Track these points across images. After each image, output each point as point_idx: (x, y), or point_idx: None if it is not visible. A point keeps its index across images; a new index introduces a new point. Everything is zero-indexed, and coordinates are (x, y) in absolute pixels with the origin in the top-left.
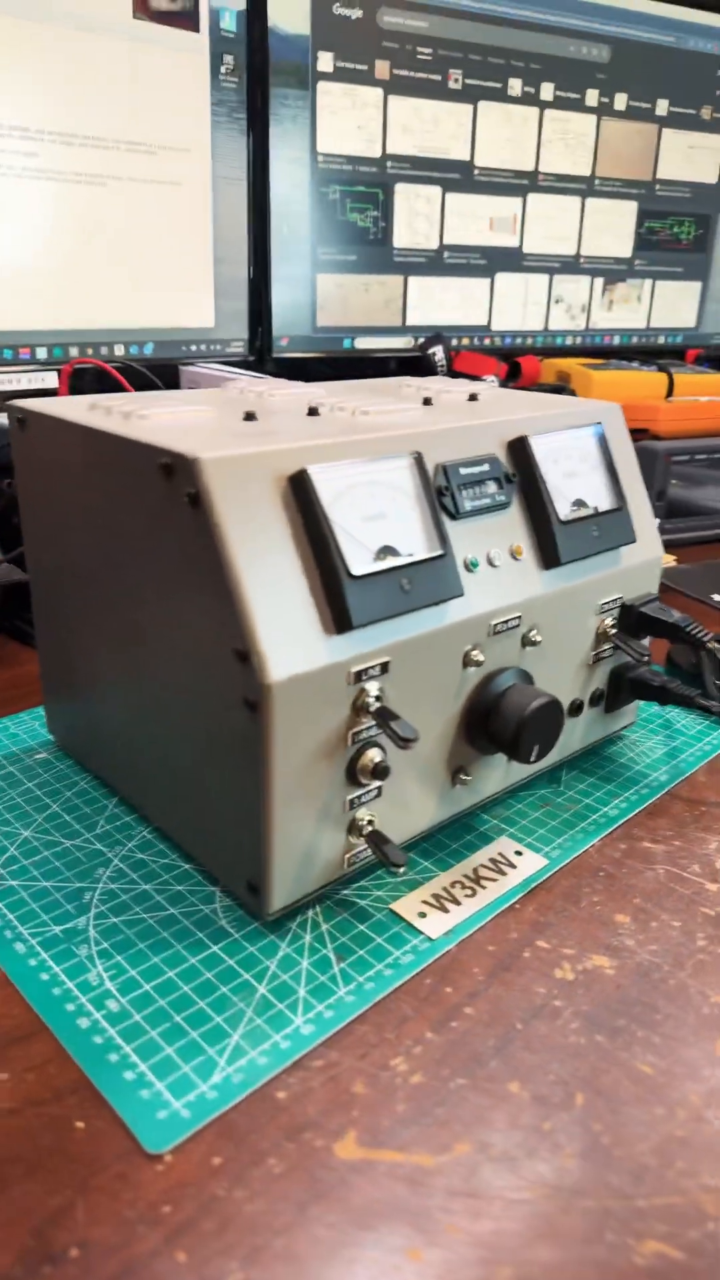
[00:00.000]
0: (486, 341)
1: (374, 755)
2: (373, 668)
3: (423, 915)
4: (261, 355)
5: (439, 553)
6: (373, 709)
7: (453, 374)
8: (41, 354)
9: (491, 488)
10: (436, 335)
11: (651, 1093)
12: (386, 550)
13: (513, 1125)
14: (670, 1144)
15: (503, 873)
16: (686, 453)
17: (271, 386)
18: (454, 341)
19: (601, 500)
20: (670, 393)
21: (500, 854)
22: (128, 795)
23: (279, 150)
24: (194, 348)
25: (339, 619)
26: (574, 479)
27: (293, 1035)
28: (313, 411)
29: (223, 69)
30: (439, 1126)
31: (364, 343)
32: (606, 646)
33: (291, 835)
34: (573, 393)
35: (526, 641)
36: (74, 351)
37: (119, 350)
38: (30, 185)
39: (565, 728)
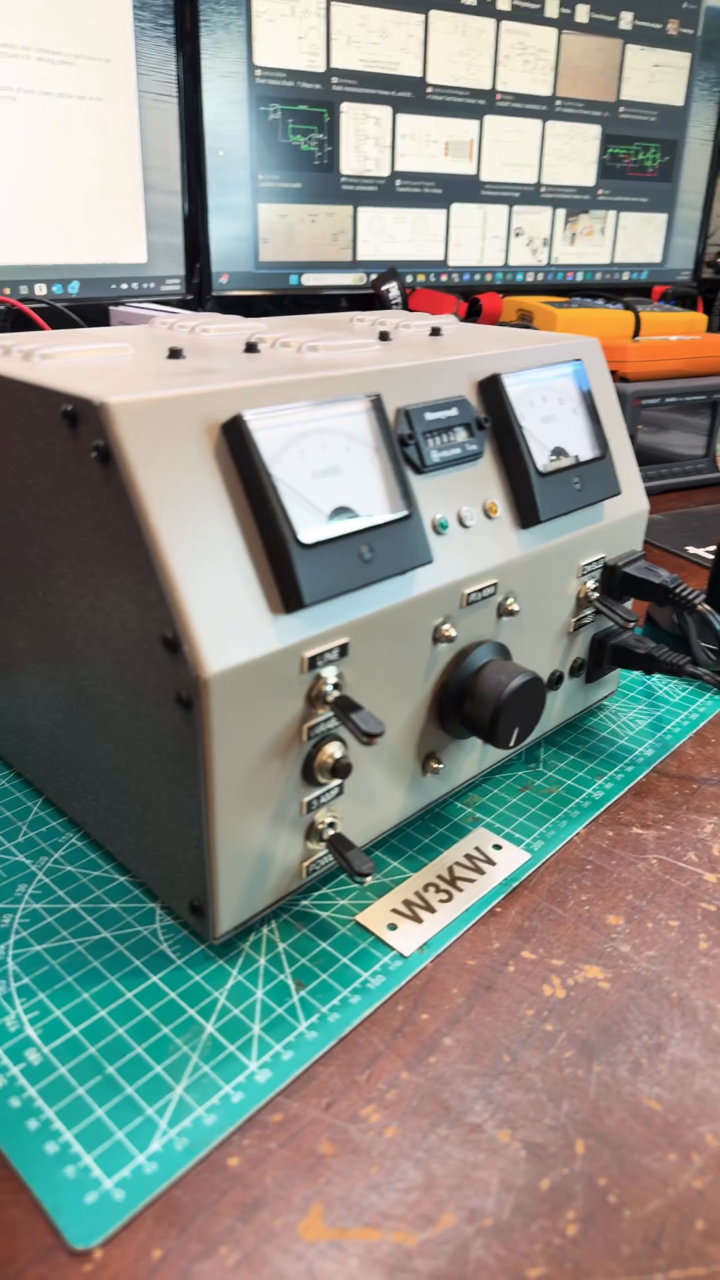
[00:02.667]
0: (443, 279)
1: (333, 750)
2: (329, 651)
3: (393, 927)
4: (200, 294)
5: (404, 513)
6: (330, 699)
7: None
8: None
9: (461, 435)
10: (391, 271)
11: (662, 1134)
12: (341, 511)
13: (506, 1186)
14: (688, 1199)
15: (481, 871)
16: (657, 395)
17: (205, 321)
18: (409, 278)
19: (583, 448)
20: (637, 332)
21: (477, 848)
22: (53, 797)
23: (211, 64)
24: (125, 286)
25: (287, 596)
26: (552, 424)
27: (246, 1084)
28: (250, 348)
29: None
30: (420, 1193)
31: (312, 279)
32: (588, 612)
33: (239, 847)
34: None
35: (503, 611)
36: None
37: (40, 290)
38: None
39: (548, 703)
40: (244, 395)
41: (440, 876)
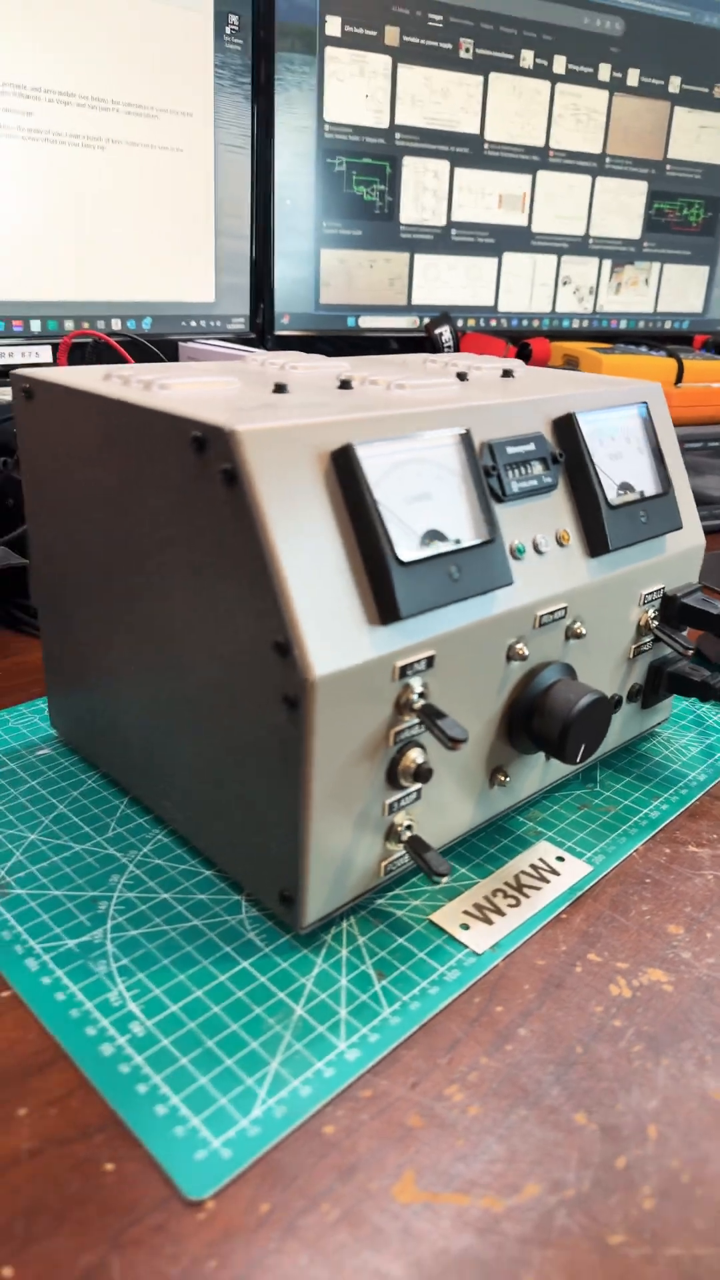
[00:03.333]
0: (493, 323)
1: (416, 756)
2: (418, 662)
3: (465, 927)
4: (263, 333)
5: (488, 538)
6: (417, 706)
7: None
8: (35, 327)
9: (538, 468)
10: (444, 315)
11: None
12: (433, 535)
13: (584, 1163)
14: None
15: (545, 880)
16: (699, 440)
17: (291, 360)
18: (460, 322)
19: (647, 484)
20: (680, 379)
21: (541, 860)
22: (141, 796)
23: (284, 118)
24: (193, 323)
25: (385, 609)
26: (619, 461)
27: (336, 1062)
28: (345, 385)
29: (228, 29)
30: (504, 1164)
31: (368, 321)
32: (647, 639)
33: (328, 842)
34: None
35: (571, 634)
36: (69, 325)
37: (116, 325)
38: (24, 146)
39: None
40: (351, 427)
41: (507, 883)
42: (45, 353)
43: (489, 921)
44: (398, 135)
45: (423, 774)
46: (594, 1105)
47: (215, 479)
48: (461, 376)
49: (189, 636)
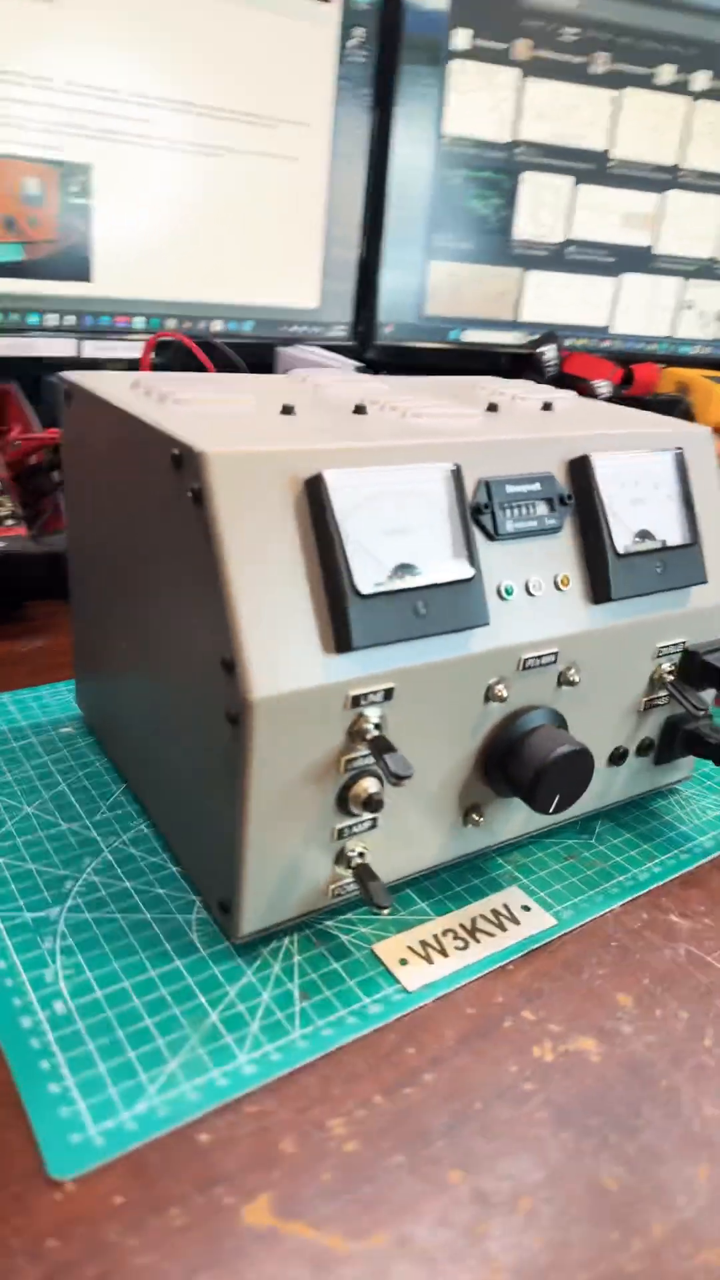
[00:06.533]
0: (605, 344)
1: (368, 785)
2: (373, 693)
3: (404, 963)
4: (365, 340)
5: (467, 576)
6: (369, 737)
7: (562, 376)
8: (139, 323)
9: (541, 509)
10: (550, 334)
11: (610, 1213)
12: (404, 569)
13: (442, 1222)
14: (611, 1273)
15: (503, 927)
16: None
17: (336, 378)
18: (568, 341)
19: (671, 533)
20: None
21: (505, 905)
22: (132, 785)
23: (403, 130)
24: (295, 328)
25: (340, 638)
26: (641, 506)
27: (233, 1073)
28: (359, 409)
29: (351, 42)
30: (362, 1207)
31: (472, 335)
32: (661, 694)
33: (268, 858)
34: (690, 405)
35: (563, 680)
36: (171, 324)
37: (217, 326)
38: (142, 153)
39: (604, 776)
40: (328, 455)
41: (462, 925)
42: (140, 350)
43: (430, 961)
44: (519, 150)
45: (373, 804)
46: (474, 1166)
47: (186, 496)
48: (493, 408)
49: (163, 642)
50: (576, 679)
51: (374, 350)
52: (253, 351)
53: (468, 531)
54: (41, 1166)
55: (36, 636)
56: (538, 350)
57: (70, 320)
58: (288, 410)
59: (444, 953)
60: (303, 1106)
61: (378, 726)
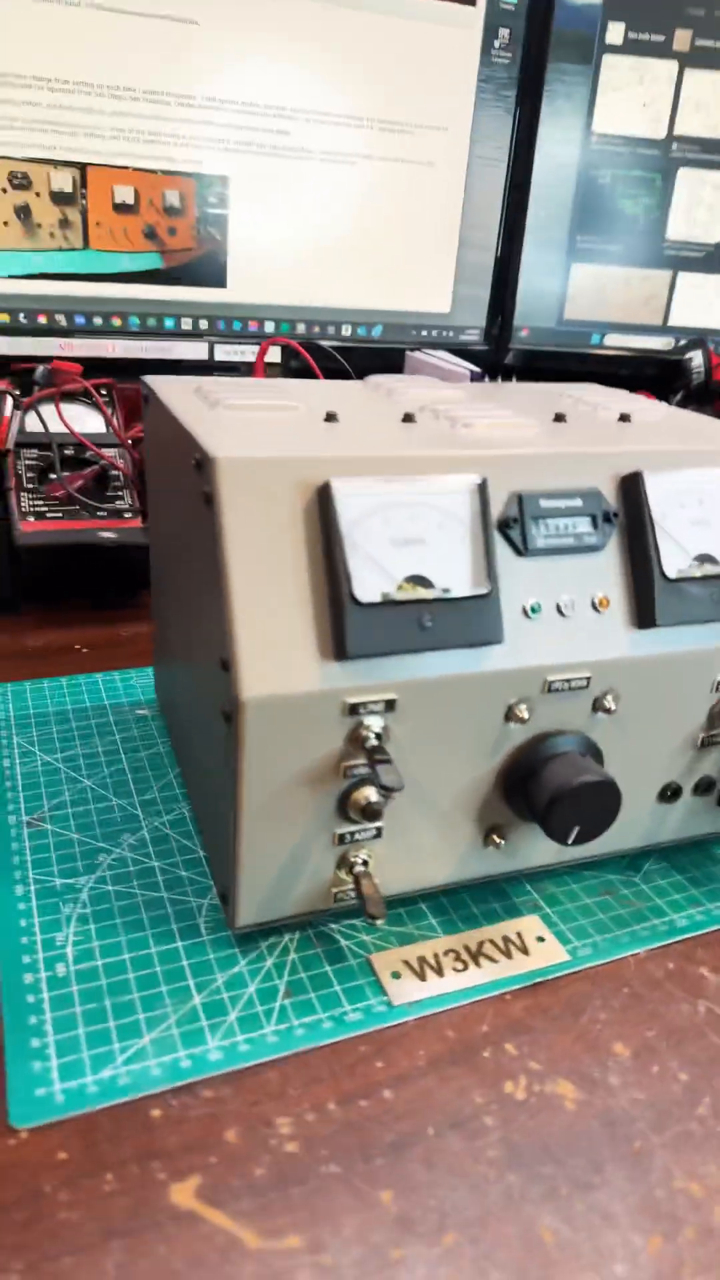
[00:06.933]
0: None
1: (368, 793)
2: (373, 703)
3: (396, 976)
4: (499, 345)
5: (481, 591)
6: (367, 745)
7: (711, 384)
8: (270, 328)
9: (583, 525)
10: (698, 340)
11: (537, 1266)
12: (416, 580)
13: (359, 1238)
14: None
15: (510, 955)
16: None
17: (413, 385)
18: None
19: None
20: None
21: (519, 933)
22: (183, 770)
23: (549, 130)
24: (425, 333)
25: (337, 645)
26: (704, 529)
27: (199, 1058)
28: (408, 418)
29: (496, 44)
30: (284, 1207)
31: (614, 340)
32: None
33: (264, 855)
34: None
35: (599, 707)
36: (300, 328)
37: (346, 330)
38: (278, 164)
39: (654, 813)
40: (339, 464)
41: (467, 946)
42: (277, 353)
43: (423, 978)
44: (675, 145)
45: (372, 812)
46: (407, 1190)
47: (202, 499)
48: (560, 418)
49: (196, 639)
50: (613, 707)
51: (512, 354)
52: (382, 356)
53: (489, 546)
54: (3, 1113)
55: (142, 623)
56: (685, 357)
57: (204, 325)
58: (331, 418)
59: (440, 972)
60: (256, 1100)
61: (379, 736)
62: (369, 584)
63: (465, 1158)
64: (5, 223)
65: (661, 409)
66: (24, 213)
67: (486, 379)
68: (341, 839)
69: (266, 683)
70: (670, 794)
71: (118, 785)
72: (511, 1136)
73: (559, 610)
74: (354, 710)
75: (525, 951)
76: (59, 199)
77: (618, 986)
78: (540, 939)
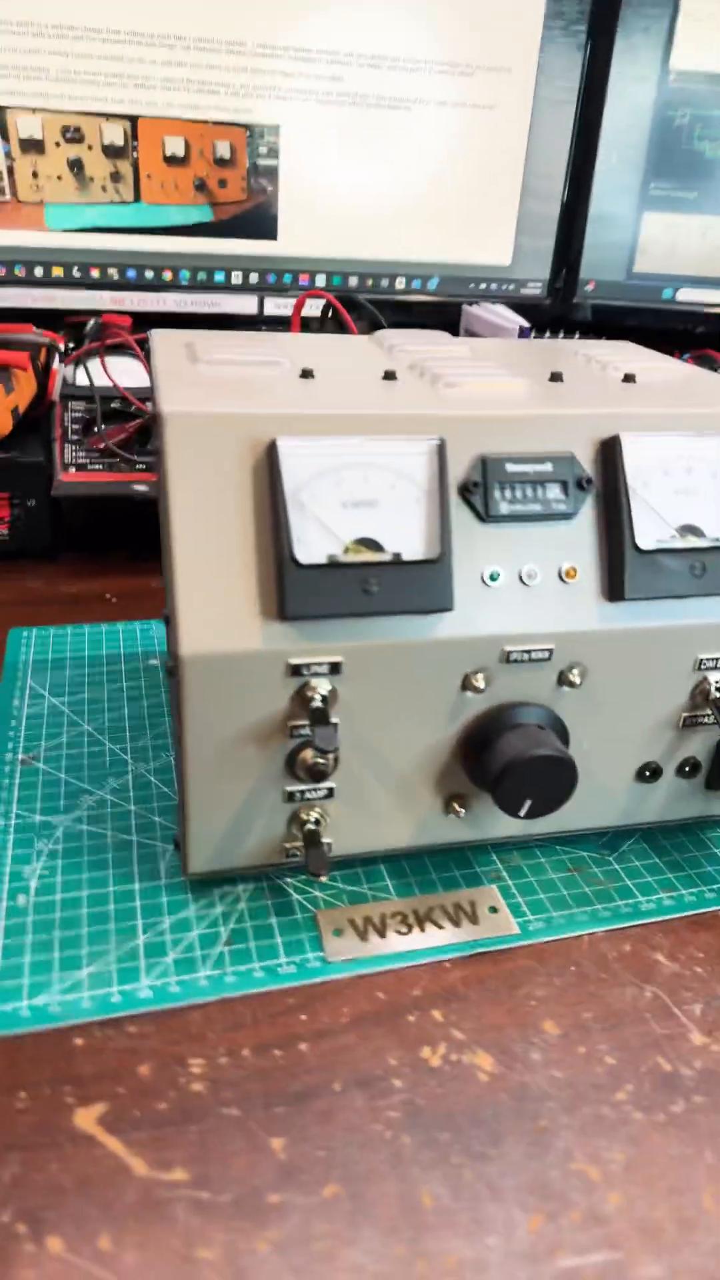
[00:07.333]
0: None
1: (313, 754)
2: (316, 664)
3: (338, 933)
4: (564, 299)
5: (430, 556)
6: (311, 706)
7: None
8: (320, 281)
9: (553, 492)
10: None
11: (409, 1229)
12: (366, 543)
13: (240, 1179)
14: None
15: (458, 924)
16: None
17: (418, 341)
18: None
19: None
20: None
21: (472, 902)
22: (169, 720)
23: (622, 67)
24: (483, 286)
25: (280, 606)
26: (690, 498)
27: (129, 994)
28: (389, 376)
29: None
30: (178, 1143)
31: (687, 295)
32: (708, 711)
33: (212, 807)
34: None
35: (565, 680)
36: (353, 281)
37: (400, 284)
38: (331, 111)
39: (632, 792)
40: (291, 422)
41: (416, 911)
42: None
43: (364, 938)
44: None
45: (317, 773)
46: (300, 1140)
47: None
48: (555, 377)
49: (168, 595)
50: (579, 681)
51: (583, 310)
52: (441, 311)
53: (445, 510)
54: None
55: None
56: None
57: (254, 278)
58: (307, 374)
59: (382, 933)
60: (176, 1040)
61: (324, 699)
62: (314, 545)
63: (365, 1115)
64: (59, 177)
65: (683, 370)
66: (77, 167)
67: (533, 335)
68: (291, 796)
69: (206, 639)
70: (649, 774)
71: (114, 731)
72: (416, 1100)
73: (521, 579)
74: (297, 671)
75: (474, 921)
76: (110, 152)
77: (564, 964)
78: (493, 909)
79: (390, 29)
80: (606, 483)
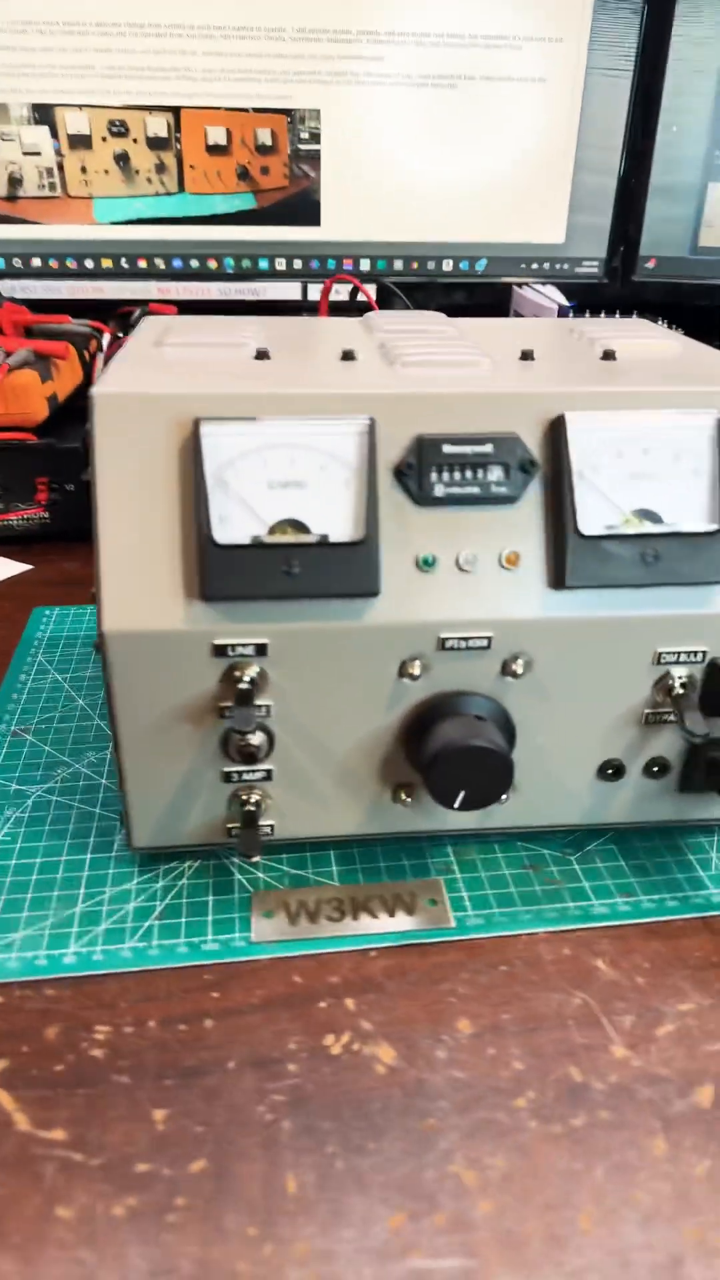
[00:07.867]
0: None
1: (250, 736)
2: (241, 646)
3: (268, 915)
4: (623, 278)
5: (354, 539)
6: (239, 687)
7: None
8: (365, 265)
9: (495, 474)
10: None
11: (265, 1212)
12: (292, 524)
13: (115, 1147)
14: (220, 1261)
15: (392, 914)
16: None
17: (401, 321)
18: None
19: (688, 517)
20: None
21: (412, 894)
22: None
23: (683, 30)
24: (535, 266)
25: (201, 587)
26: (646, 482)
27: (55, 959)
28: (348, 356)
29: None
30: (65, 1104)
31: None
32: (670, 709)
33: (150, 784)
34: None
35: (508, 670)
36: (398, 264)
37: (448, 266)
38: (373, 92)
39: (594, 791)
40: (216, 402)
41: (353, 899)
42: (370, 289)
43: (293, 921)
44: None
45: (247, 754)
46: (182, 1114)
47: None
48: (526, 356)
49: None
50: (521, 671)
51: (634, 288)
52: (493, 291)
53: (372, 492)
54: None
55: None
56: None
57: (298, 264)
58: (262, 355)
59: (313, 919)
60: (87, 1006)
61: (253, 681)
62: (237, 525)
63: (251, 1096)
64: (106, 171)
65: (678, 348)
66: (123, 160)
67: (572, 314)
68: (229, 777)
69: (128, 618)
70: (611, 772)
71: (101, 706)
72: (306, 1086)
73: (458, 564)
74: (223, 652)
75: (410, 912)
76: (154, 144)
77: (495, 963)
78: (433, 902)
79: (432, 5)
80: (553, 465)
